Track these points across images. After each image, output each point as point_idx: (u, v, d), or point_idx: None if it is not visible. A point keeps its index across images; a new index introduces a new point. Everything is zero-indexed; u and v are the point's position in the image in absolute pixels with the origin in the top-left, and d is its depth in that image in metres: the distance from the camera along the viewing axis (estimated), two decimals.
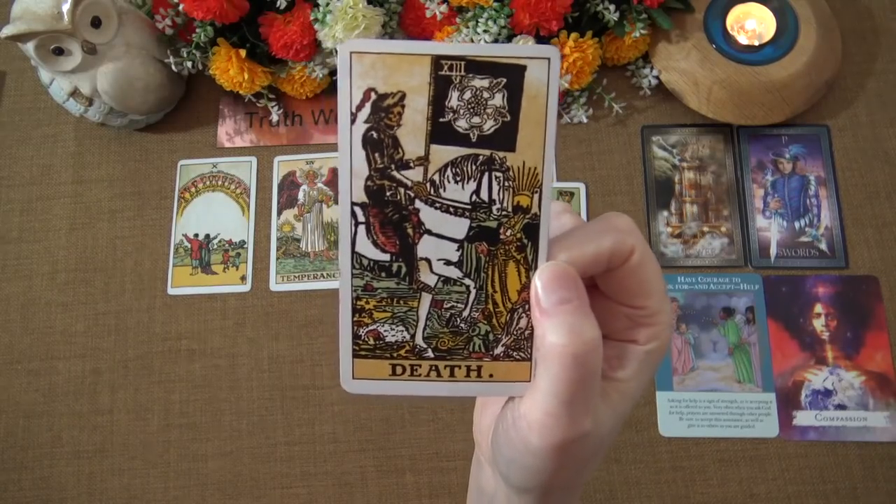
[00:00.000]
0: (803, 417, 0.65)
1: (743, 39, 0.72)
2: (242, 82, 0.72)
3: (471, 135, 0.26)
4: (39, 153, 0.78)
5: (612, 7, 0.70)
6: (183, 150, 0.77)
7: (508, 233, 0.27)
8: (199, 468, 0.66)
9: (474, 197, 0.27)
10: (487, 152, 0.26)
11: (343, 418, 0.67)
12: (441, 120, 0.26)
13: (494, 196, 0.27)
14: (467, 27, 0.68)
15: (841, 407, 0.65)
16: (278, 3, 0.69)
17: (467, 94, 0.26)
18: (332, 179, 0.75)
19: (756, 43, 0.72)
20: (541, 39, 0.70)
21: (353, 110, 0.26)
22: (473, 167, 0.26)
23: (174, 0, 0.70)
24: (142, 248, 0.73)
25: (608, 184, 0.73)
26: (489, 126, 0.26)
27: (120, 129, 0.77)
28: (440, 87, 0.26)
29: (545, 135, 0.26)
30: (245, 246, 0.73)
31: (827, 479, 0.64)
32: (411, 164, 0.26)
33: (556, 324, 0.25)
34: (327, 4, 0.67)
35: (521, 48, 0.26)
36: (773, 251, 0.71)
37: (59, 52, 0.67)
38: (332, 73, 0.74)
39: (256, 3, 0.71)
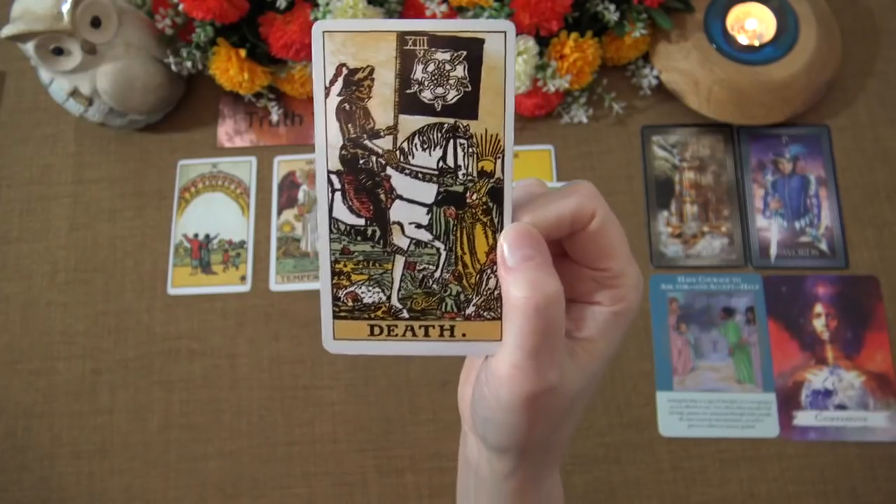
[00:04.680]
0: (803, 417, 0.65)
1: (743, 39, 0.72)
2: (242, 82, 0.72)
3: (436, 104, 0.28)
4: (39, 153, 0.78)
5: (612, 7, 0.70)
6: (183, 150, 0.77)
7: (474, 196, 0.29)
8: (199, 468, 0.66)
9: (441, 163, 0.28)
10: (452, 120, 0.28)
11: (343, 418, 0.67)
12: (408, 91, 0.28)
13: (460, 162, 0.28)
14: None
15: (841, 407, 0.65)
16: (278, 2, 0.69)
17: (431, 67, 0.28)
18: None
19: (756, 43, 0.72)
20: (541, 39, 0.70)
21: (327, 85, 0.28)
22: (439, 135, 0.28)
23: (174, 0, 0.70)
24: (142, 248, 0.73)
25: (608, 184, 0.73)
26: (452, 96, 0.28)
27: (120, 129, 0.77)
28: (406, 60, 0.27)
29: (504, 103, 0.28)
30: (245, 246, 0.73)
31: (827, 479, 0.64)
32: (382, 134, 0.28)
33: (519, 279, 0.27)
34: (327, 4, 0.67)
35: (479, 23, 0.27)
36: (773, 251, 0.71)
37: (59, 52, 0.67)
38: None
39: (256, 2, 0.71)
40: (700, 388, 0.67)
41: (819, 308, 0.68)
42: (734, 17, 0.73)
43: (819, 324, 0.68)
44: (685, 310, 0.69)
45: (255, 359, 0.69)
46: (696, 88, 0.71)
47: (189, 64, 0.72)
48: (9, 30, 0.64)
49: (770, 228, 0.71)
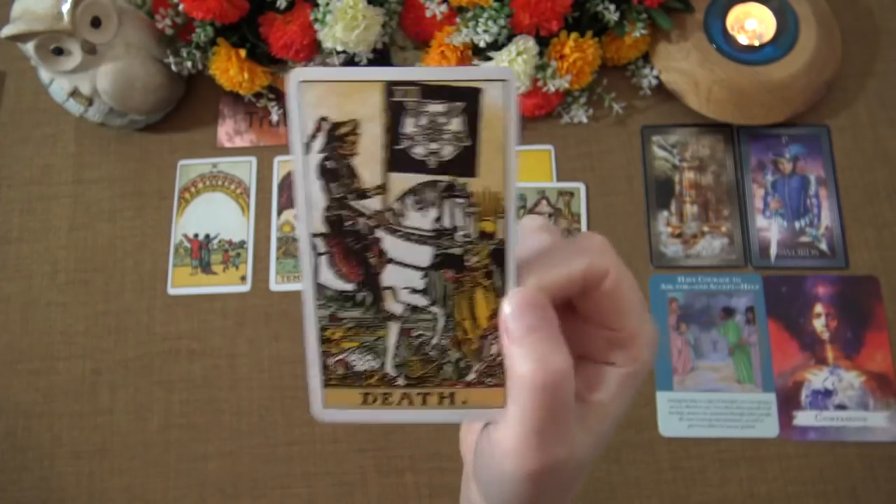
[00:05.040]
0: (803, 417, 0.65)
1: (743, 39, 0.72)
2: (242, 82, 0.72)
3: (429, 161, 0.26)
4: (39, 153, 0.78)
5: (612, 7, 0.70)
6: (183, 150, 0.77)
7: (474, 259, 0.26)
8: (199, 468, 0.66)
9: (437, 224, 0.26)
10: (447, 178, 0.26)
11: None
12: (397, 147, 0.25)
13: (457, 223, 0.26)
14: (467, 27, 0.68)
15: (841, 407, 0.65)
16: (278, 3, 0.69)
17: (423, 120, 0.25)
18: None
19: (756, 43, 0.72)
20: (541, 39, 0.70)
21: (306, 140, 0.25)
22: (434, 194, 0.26)
23: (174, 0, 0.70)
24: (142, 248, 0.73)
25: (608, 184, 0.73)
26: (448, 151, 0.26)
27: (120, 129, 0.77)
28: (394, 113, 0.25)
29: (505, 158, 0.26)
30: (245, 246, 0.73)
31: (827, 479, 0.64)
32: (369, 194, 0.26)
33: (524, 353, 0.25)
34: (327, 4, 0.67)
35: (476, 70, 0.25)
36: (773, 251, 0.71)
37: (59, 52, 0.67)
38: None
39: (256, 3, 0.71)
40: (700, 388, 0.67)
41: (819, 308, 0.68)
42: (734, 17, 0.73)
43: (819, 324, 0.68)
44: (685, 310, 0.69)
45: (255, 359, 0.69)
46: (696, 88, 0.71)
47: (189, 64, 0.72)
48: (9, 30, 0.64)
49: (770, 228, 0.71)
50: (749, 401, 0.66)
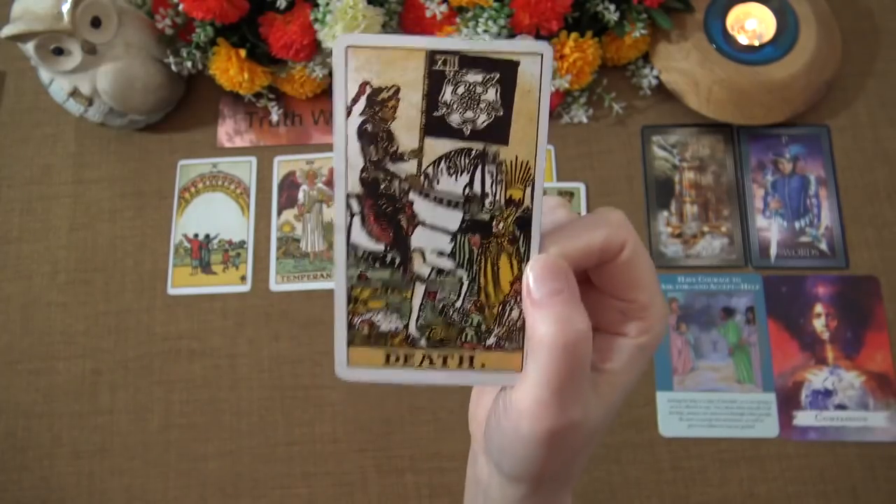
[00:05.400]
0: (803, 417, 0.65)
1: (743, 39, 0.72)
2: (242, 82, 0.72)
3: (464, 129, 0.27)
4: (39, 153, 0.78)
5: (612, 7, 0.70)
6: (183, 150, 0.77)
7: (501, 226, 0.27)
8: (199, 468, 0.66)
9: (467, 190, 0.27)
10: (480, 146, 0.27)
11: (343, 418, 0.67)
12: (435, 114, 0.26)
13: (487, 189, 0.27)
14: (467, 27, 0.68)
15: (841, 407, 0.65)
16: (278, 3, 0.69)
17: (461, 89, 0.26)
18: (332, 179, 0.75)
19: (756, 43, 0.72)
20: (541, 39, 0.70)
21: (349, 104, 0.26)
22: (466, 160, 0.27)
23: (174, 0, 0.70)
24: (142, 248, 0.73)
25: (608, 184, 0.73)
26: (482, 120, 0.27)
27: (120, 129, 0.77)
28: (434, 81, 0.26)
29: (538, 129, 0.27)
30: (245, 246, 0.73)
31: (827, 479, 0.64)
32: (405, 157, 0.27)
33: (546, 314, 0.26)
34: (327, 4, 0.67)
35: (515, 43, 0.26)
36: (773, 251, 0.71)
37: (59, 52, 0.67)
38: (332, 73, 0.74)
39: (256, 3, 0.71)
40: (700, 388, 0.67)
41: (819, 308, 0.68)
42: (734, 17, 0.73)
43: (819, 324, 0.68)
44: (685, 310, 0.69)
45: (255, 359, 0.69)
46: (696, 88, 0.71)
47: (189, 64, 0.72)
48: (9, 30, 0.64)
49: (770, 228, 0.71)
50: (749, 401, 0.66)
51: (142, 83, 0.71)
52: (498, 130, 0.27)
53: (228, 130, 0.77)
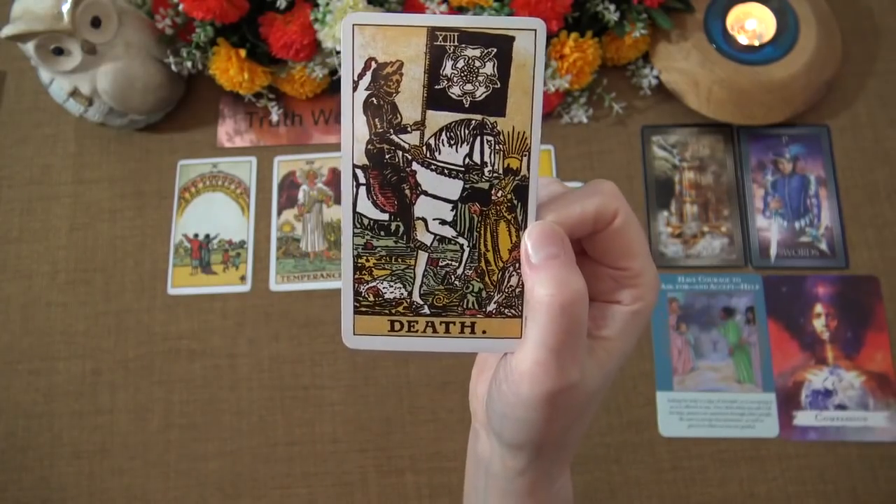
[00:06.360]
0: (803, 417, 0.65)
1: (743, 39, 0.72)
2: (242, 82, 0.72)
3: (464, 101, 0.28)
4: (39, 153, 0.78)
5: (612, 7, 0.70)
6: (183, 150, 0.77)
7: (499, 194, 0.29)
8: (199, 468, 0.66)
9: (467, 160, 0.28)
10: (479, 117, 0.28)
11: (343, 418, 0.67)
12: (436, 87, 0.28)
13: (486, 159, 0.28)
14: None
15: (841, 407, 0.65)
16: (278, 3, 0.69)
17: (460, 63, 0.28)
18: (332, 179, 0.75)
19: (756, 43, 0.72)
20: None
21: (355, 78, 0.28)
22: (466, 131, 0.28)
23: (174, 0, 0.70)
24: (142, 248, 0.73)
25: None
26: (481, 93, 0.28)
27: (120, 129, 0.77)
28: (435, 56, 0.28)
29: (532, 101, 0.28)
30: (245, 246, 0.73)
31: (827, 479, 0.64)
32: (409, 129, 0.28)
33: (544, 277, 0.27)
34: (327, 4, 0.67)
35: (510, 20, 0.27)
36: (773, 251, 0.71)
37: (59, 52, 0.67)
38: (333, 72, 0.74)
39: (256, 3, 0.71)
40: (700, 388, 0.67)
41: (819, 308, 0.68)
42: (734, 17, 0.73)
43: (819, 324, 0.68)
44: (685, 310, 0.69)
45: (255, 359, 0.69)
46: (696, 88, 0.71)
47: (189, 64, 0.72)
48: (9, 30, 0.64)
49: (770, 228, 0.71)
50: (749, 401, 0.66)
51: (142, 83, 0.71)
52: (495, 102, 0.28)
53: (228, 130, 0.77)
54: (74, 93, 0.70)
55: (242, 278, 0.72)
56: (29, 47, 0.66)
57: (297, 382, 0.68)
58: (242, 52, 0.71)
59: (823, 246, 0.71)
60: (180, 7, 0.69)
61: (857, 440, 0.64)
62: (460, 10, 0.70)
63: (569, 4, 0.68)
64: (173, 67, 0.73)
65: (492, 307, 0.29)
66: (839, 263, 0.70)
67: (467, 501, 0.38)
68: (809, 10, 0.72)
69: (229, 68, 0.71)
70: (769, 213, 0.72)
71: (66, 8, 0.64)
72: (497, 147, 0.28)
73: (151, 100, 0.72)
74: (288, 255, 0.72)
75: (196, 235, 0.73)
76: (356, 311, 0.30)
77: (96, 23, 0.68)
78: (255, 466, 0.66)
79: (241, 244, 0.73)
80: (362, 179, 0.29)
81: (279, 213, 0.74)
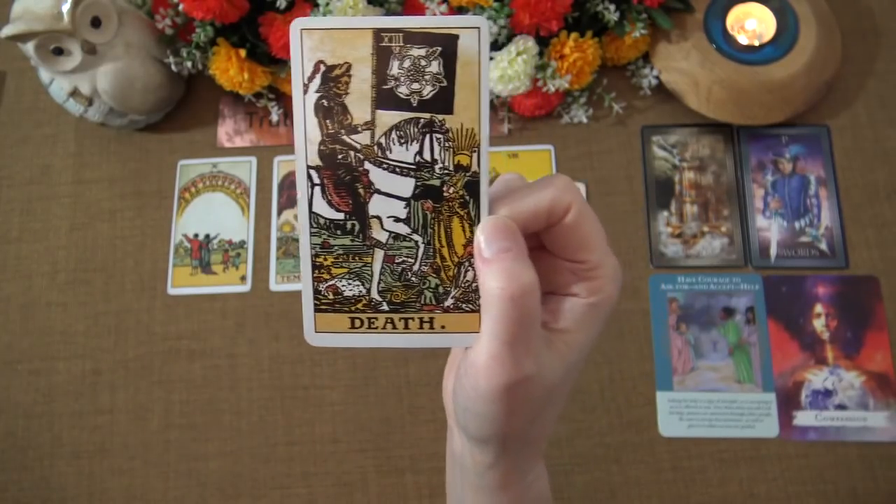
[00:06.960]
0: (803, 417, 0.65)
1: (743, 39, 0.72)
2: (242, 82, 0.72)
3: (412, 100, 0.28)
4: (39, 153, 0.78)
5: (612, 7, 0.70)
6: (183, 150, 0.77)
7: (451, 190, 0.29)
8: (199, 468, 0.66)
9: (418, 157, 0.29)
10: (428, 115, 0.29)
11: (343, 418, 0.67)
12: (384, 87, 0.28)
13: (436, 156, 0.29)
14: None
15: (841, 407, 0.65)
16: (278, 2, 0.69)
17: (407, 63, 0.28)
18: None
19: (756, 43, 0.72)
20: (541, 39, 0.70)
21: (305, 81, 0.29)
22: (416, 130, 0.29)
23: (174, 0, 0.70)
24: (142, 248, 0.73)
25: (608, 184, 0.73)
26: (428, 91, 0.28)
27: (120, 129, 0.77)
28: (382, 57, 0.28)
29: (479, 98, 0.28)
30: (245, 246, 0.73)
31: (827, 479, 0.64)
32: (359, 129, 0.29)
33: (495, 270, 0.27)
34: (327, 4, 0.67)
35: (453, 19, 0.28)
36: (773, 251, 0.71)
37: (59, 52, 0.67)
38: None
39: (256, 3, 0.71)
40: (700, 388, 0.67)
41: (819, 308, 0.68)
42: (734, 17, 0.73)
43: (819, 324, 0.68)
44: (685, 310, 0.69)
45: (255, 359, 0.69)
46: (695, 88, 0.71)
47: (189, 64, 0.72)
48: (9, 30, 0.64)
49: (770, 228, 0.71)
50: (749, 401, 0.66)
51: (142, 83, 0.71)
52: (443, 100, 0.28)
53: (228, 130, 0.77)
54: (74, 93, 0.70)
55: (242, 278, 0.72)
56: (29, 47, 0.66)
57: (297, 382, 0.68)
58: (242, 52, 0.71)
59: (823, 246, 0.71)
60: (180, 7, 0.69)
61: (856, 440, 0.64)
62: (460, 10, 0.70)
63: (569, 4, 0.68)
64: (173, 67, 0.73)
65: (449, 302, 0.30)
66: (839, 263, 0.70)
67: (448, 499, 0.38)
68: (809, 10, 0.72)
69: (229, 68, 0.71)
70: (769, 213, 0.72)
71: (66, 8, 0.64)
72: (446, 144, 0.29)
73: (151, 100, 0.72)
74: (288, 255, 0.72)
75: (196, 235, 0.73)
76: (316, 309, 0.30)
77: (96, 23, 0.68)
78: (255, 466, 0.66)
79: (241, 244, 0.73)
80: (317, 180, 0.29)
81: (279, 213, 0.74)
